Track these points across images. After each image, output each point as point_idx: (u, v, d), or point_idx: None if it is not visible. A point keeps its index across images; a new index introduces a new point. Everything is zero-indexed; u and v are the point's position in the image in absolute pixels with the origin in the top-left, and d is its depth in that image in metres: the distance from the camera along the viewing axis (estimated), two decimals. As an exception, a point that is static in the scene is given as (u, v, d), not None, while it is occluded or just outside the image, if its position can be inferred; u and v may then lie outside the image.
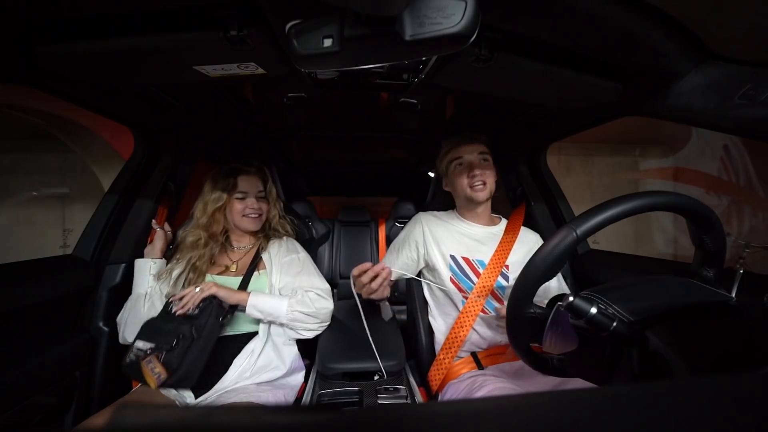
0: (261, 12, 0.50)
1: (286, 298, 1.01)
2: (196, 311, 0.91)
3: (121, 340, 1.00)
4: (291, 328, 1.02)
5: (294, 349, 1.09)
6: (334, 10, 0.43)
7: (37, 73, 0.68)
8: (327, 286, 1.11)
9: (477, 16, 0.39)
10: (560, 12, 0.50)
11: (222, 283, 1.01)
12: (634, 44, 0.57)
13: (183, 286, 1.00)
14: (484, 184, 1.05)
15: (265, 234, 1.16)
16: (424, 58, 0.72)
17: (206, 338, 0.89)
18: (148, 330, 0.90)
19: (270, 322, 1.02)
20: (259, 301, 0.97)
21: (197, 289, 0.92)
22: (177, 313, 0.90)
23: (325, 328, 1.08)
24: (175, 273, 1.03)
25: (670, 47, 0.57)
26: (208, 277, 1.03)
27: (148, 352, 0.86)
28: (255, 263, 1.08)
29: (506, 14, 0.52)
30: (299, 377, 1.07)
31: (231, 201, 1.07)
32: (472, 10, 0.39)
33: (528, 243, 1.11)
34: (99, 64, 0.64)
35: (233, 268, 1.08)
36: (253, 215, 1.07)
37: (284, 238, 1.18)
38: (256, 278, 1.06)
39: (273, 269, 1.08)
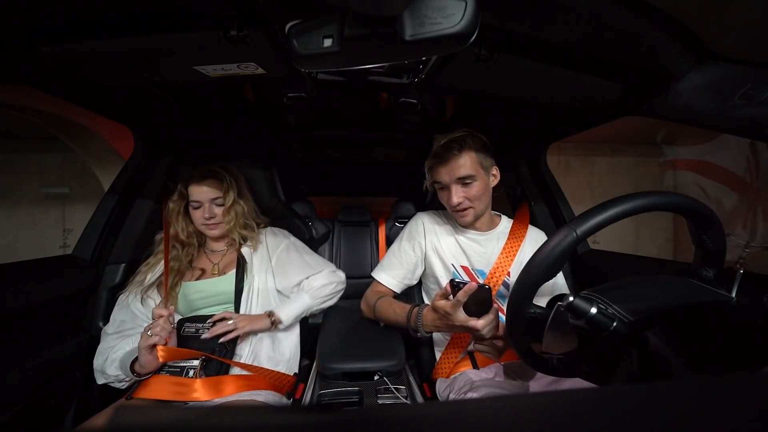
0: (261, 12, 0.50)
1: (303, 293, 1.07)
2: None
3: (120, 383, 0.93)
4: (317, 310, 1.12)
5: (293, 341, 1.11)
6: (334, 10, 0.43)
7: (37, 73, 0.68)
8: (325, 260, 1.20)
9: (477, 16, 0.39)
10: (560, 12, 0.50)
11: (203, 288, 1.02)
12: (634, 44, 0.57)
13: (160, 289, 1.00)
14: (468, 209, 0.97)
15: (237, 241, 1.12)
16: (424, 58, 0.72)
17: (230, 355, 0.95)
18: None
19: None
20: (289, 314, 1.03)
21: (230, 322, 0.94)
22: (204, 338, 0.92)
23: (340, 295, 1.17)
24: (150, 277, 1.02)
25: (670, 47, 0.57)
26: (184, 284, 1.02)
27: (194, 364, 0.90)
28: (241, 263, 1.06)
29: (506, 14, 0.52)
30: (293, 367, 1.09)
31: (190, 210, 1.05)
32: (472, 10, 0.39)
33: (532, 242, 1.07)
34: (99, 64, 0.64)
35: (214, 270, 1.06)
36: (208, 223, 1.03)
37: (265, 231, 1.16)
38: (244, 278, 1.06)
39: (254, 264, 1.07)
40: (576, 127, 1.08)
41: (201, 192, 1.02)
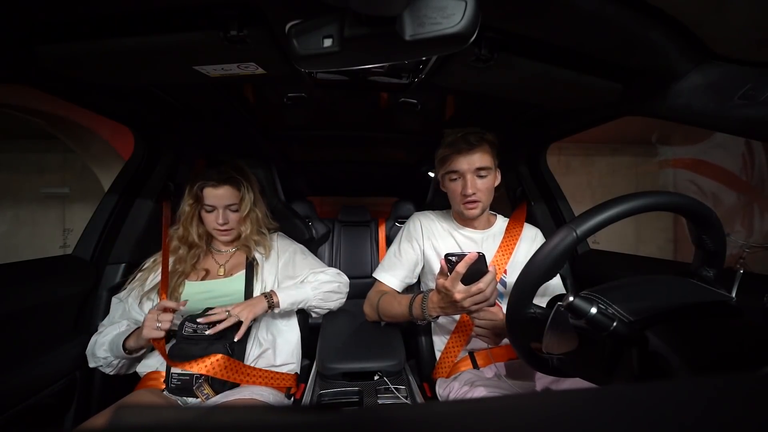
0: (261, 12, 0.50)
1: (307, 284, 1.04)
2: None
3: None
4: (316, 307, 1.08)
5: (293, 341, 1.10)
6: (334, 10, 0.43)
7: (37, 73, 0.68)
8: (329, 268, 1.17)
9: (477, 16, 0.39)
10: (560, 12, 0.50)
11: (211, 288, 1.01)
12: (634, 44, 0.57)
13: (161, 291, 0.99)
14: (478, 201, 0.99)
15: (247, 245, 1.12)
16: (424, 58, 0.72)
17: (238, 353, 0.93)
18: (177, 355, 0.89)
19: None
20: (287, 299, 0.99)
21: (229, 314, 0.90)
22: (207, 333, 0.88)
23: (342, 303, 1.13)
24: (153, 278, 1.01)
25: (670, 47, 0.57)
26: (188, 284, 1.01)
27: (198, 378, 0.88)
28: (251, 265, 1.07)
29: (506, 14, 0.52)
30: (293, 366, 1.08)
31: (202, 212, 1.04)
32: (472, 10, 0.39)
33: (527, 240, 1.09)
34: (99, 64, 0.64)
35: (221, 271, 1.06)
36: (222, 229, 1.03)
37: (275, 236, 1.17)
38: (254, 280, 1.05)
39: (265, 268, 1.07)
40: (576, 127, 1.08)
41: (216, 197, 1.00)
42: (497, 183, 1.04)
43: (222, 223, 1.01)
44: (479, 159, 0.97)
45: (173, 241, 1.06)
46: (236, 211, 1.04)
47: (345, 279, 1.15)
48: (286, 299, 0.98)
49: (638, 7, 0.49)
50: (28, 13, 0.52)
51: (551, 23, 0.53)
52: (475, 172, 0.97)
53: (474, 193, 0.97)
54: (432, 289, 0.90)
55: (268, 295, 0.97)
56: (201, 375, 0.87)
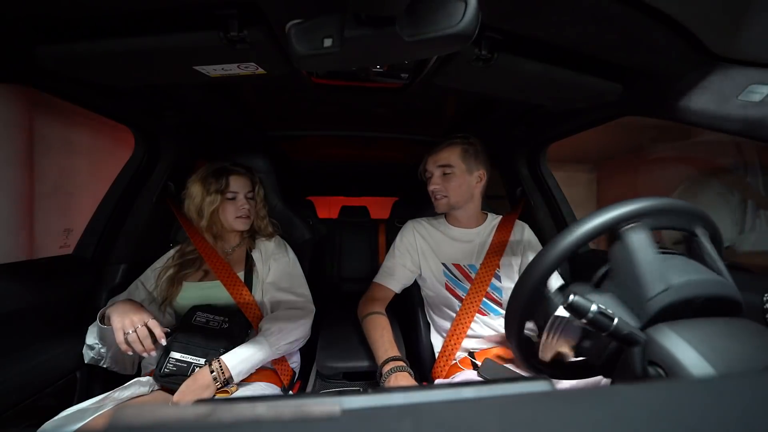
0: (261, 12, 0.50)
1: (264, 340, 0.92)
2: (226, 325, 0.94)
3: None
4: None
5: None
6: (334, 11, 0.43)
7: (37, 73, 0.68)
8: (308, 292, 1.09)
9: (477, 16, 0.39)
10: (561, 12, 0.50)
11: (205, 288, 1.01)
12: (634, 44, 0.57)
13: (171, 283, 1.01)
14: (443, 197, 1.06)
15: (251, 234, 1.15)
16: (424, 58, 0.72)
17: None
18: (179, 342, 0.89)
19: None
20: (242, 369, 0.87)
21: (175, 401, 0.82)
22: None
23: (306, 340, 1.03)
24: (170, 273, 1.03)
25: (671, 47, 0.57)
26: (186, 286, 1.01)
27: (201, 363, 0.87)
28: (249, 263, 1.07)
29: (506, 14, 0.52)
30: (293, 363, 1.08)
31: (223, 202, 1.06)
32: (472, 10, 0.39)
33: (516, 236, 1.11)
34: (99, 64, 0.64)
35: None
36: (243, 216, 1.07)
37: (275, 236, 1.18)
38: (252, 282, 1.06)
39: (263, 267, 1.08)
40: (576, 127, 1.08)
41: (239, 184, 1.07)
42: (479, 184, 1.07)
43: (247, 208, 1.06)
44: (443, 157, 1.05)
45: (189, 247, 1.08)
46: (252, 198, 1.11)
47: (305, 321, 1.01)
48: (241, 371, 0.87)
49: (639, 8, 0.49)
50: (28, 13, 0.52)
51: (551, 23, 0.53)
52: (438, 169, 1.06)
53: (437, 189, 1.06)
54: (396, 372, 0.86)
55: (213, 367, 0.85)
56: (199, 363, 0.87)
